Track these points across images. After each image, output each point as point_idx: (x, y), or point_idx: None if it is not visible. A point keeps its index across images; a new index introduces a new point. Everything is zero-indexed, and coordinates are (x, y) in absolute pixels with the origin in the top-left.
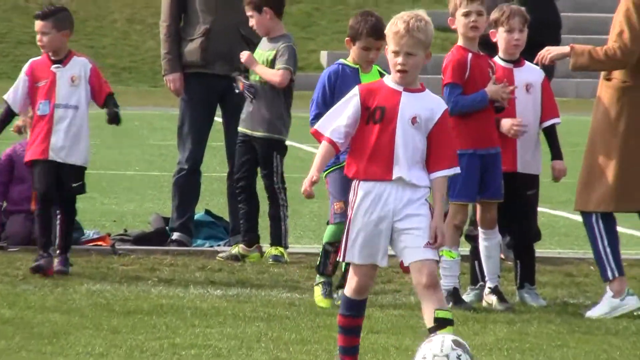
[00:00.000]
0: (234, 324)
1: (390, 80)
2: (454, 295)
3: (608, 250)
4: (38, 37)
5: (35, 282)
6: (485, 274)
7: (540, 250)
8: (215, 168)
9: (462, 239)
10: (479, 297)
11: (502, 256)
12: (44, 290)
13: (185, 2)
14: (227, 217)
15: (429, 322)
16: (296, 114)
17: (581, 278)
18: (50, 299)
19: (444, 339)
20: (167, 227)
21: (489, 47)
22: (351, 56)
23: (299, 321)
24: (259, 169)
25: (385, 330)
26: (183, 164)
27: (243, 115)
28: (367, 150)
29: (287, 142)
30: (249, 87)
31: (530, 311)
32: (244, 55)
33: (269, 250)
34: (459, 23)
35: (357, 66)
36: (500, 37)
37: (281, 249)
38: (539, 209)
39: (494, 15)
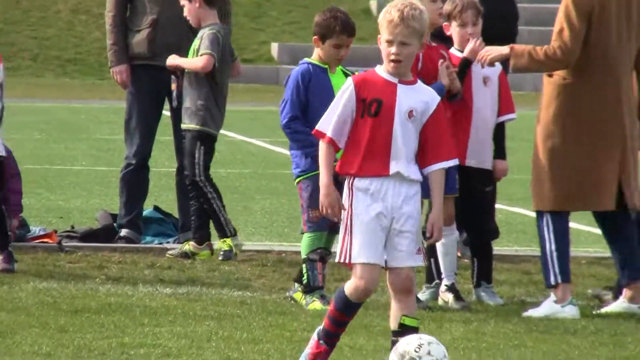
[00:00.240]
0: (184, 323)
1: (383, 71)
2: (454, 290)
3: (555, 255)
4: None
5: None
6: (442, 271)
7: (498, 247)
8: (163, 163)
9: None
10: (435, 296)
11: (459, 254)
12: None
13: None
14: (176, 214)
15: (394, 325)
16: (246, 108)
17: (539, 276)
18: None
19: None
20: (115, 224)
21: (444, 39)
22: (317, 55)
23: (250, 320)
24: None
25: None
26: (131, 158)
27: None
28: (363, 145)
29: (238, 137)
30: (178, 95)
31: (487, 310)
32: (169, 60)
33: (219, 244)
34: None
35: (326, 66)
36: (453, 31)
37: (229, 241)
38: (497, 205)
39: (447, 7)
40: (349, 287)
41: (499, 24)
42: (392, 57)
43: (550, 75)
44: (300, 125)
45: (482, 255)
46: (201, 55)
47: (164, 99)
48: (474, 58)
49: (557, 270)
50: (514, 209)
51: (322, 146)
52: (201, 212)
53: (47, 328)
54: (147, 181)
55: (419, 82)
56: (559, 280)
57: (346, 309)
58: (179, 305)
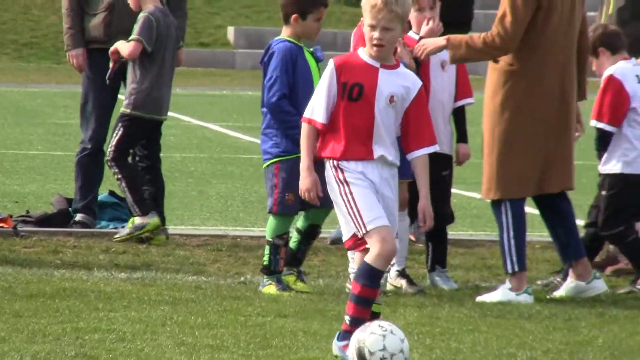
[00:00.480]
0: (139, 308)
1: (365, 54)
2: (405, 275)
3: (512, 242)
4: None
5: None
6: None
7: (452, 232)
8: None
9: None
10: (385, 280)
11: (413, 238)
12: None
13: None
14: None
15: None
16: (202, 92)
17: (493, 261)
18: None
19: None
20: (70, 209)
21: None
22: (293, 33)
23: (205, 305)
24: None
25: (293, 314)
26: (86, 143)
27: None
28: (345, 129)
29: (194, 121)
30: (110, 74)
31: (442, 294)
32: (112, 47)
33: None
34: None
35: (302, 44)
36: (411, 16)
37: (132, 219)
38: (452, 190)
39: None
40: (372, 256)
41: (454, 9)
42: (375, 41)
43: (495, 62)
44: (287, 104)
45: (436, 240)
46: (129, 41)
47: (120, 83)
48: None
49: (514, 258)
50: (469, 194)
51: (305, 128)
52: (154, 196)
53: (1, 313)
54: (102, 166)
55: (401, 65)
56: (516, 269)
57: (372, 281)
58: (133, 290)
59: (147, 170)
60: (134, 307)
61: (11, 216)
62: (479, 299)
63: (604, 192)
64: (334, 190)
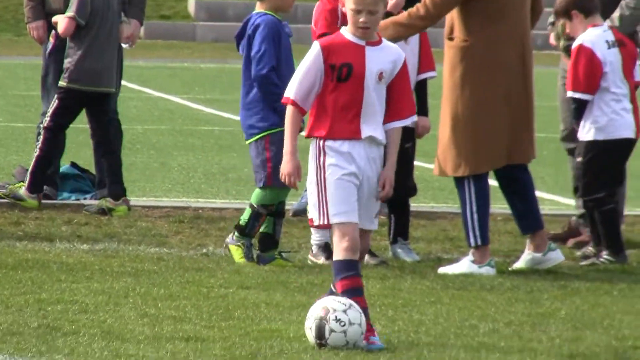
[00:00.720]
0: (101, 279)
1: (349, 33)
2: (326, 250)
3: (475, 217)
4: None
5: None
6: None
7: (414, 204)
8: (80, 119)
9: None
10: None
11: None
12: None
13: None
14: (93, 170)
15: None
16: (163, 64)
17: (455, 233)
18: None
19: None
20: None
21: None
22: (271, 6)
23: (167, 276)
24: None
25: (256, 285)
26: (47, 114)
27: None
28: (333, 109)
29: (155, 94)
30: (51, 48)
31: (404, 266)
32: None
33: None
34: None
35: (280, 17)
36: None
37: (20, 184)
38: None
39: None
40: (338, 252)
41: None
42: (361, 24)
43: (450, 39)
44: (275, 77)
45: (399, 212)
46: (64, 17)
47: None
48: (395, 12)
49: (477, 233)
50: (431, 166)
51: (289, 111)
52: (114, 167)
53: None
54: (63, 137)
55: (384, 40)
56: (479, 243)
57: (348, 269)
58: (96, 261)
59: (100, 145)
60: (96, 278)
61: None
62: (441, 270)
63: (579, 159)
64: (311, 170)
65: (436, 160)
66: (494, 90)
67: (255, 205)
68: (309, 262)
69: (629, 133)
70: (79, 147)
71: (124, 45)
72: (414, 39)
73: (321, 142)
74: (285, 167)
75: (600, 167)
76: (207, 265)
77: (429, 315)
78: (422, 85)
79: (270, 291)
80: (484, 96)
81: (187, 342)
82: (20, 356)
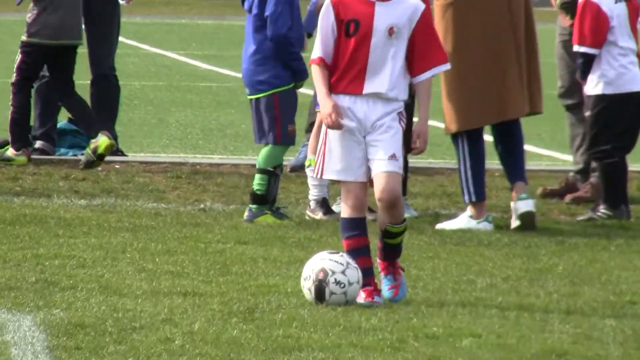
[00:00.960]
0: (99, 234)
1: None
2: (323, 206)
3: (469, 173)
4: None
5: None
6: None
7: (412, 160)
8: (78, 75)
9: None
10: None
11: None
12: None
13: None
14: None
15: (380, 227)
16: (161, 20)
17: (453, 189)
18: None
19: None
20: (29, 136)
21: None
22: None
23: (165, 232)
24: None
25: (253, 241)
26: (45, 71)
27: None
28: (341, 64)
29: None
30: None
31: None
32: None
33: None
34: None
35: None
36: None
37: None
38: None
39: None
40: (343, 207)
41: None
42: None
43: None
44: (291, 37)
45: None
46: None
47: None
48: None
49: (472, 189)
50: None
51: (314, 68)
52: (17, 118)
53: None
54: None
55: None
56: (473, 199)
57: (354, 229)
58: (93, 216)
59: (62, 99)
60: (94, 233)
61: None
62: (439, 226)
63: (588, 113)
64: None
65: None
66: (479, 47)
67: (272, 168)
68: (307, 217)
69: (637, 87)
70: None
71: (121, 2)
72: None
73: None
74: (324, 109)
75: (608, 120)
76: (204, 221)
77: (426, 271)
78: None
79: (267, 246)
80: (469, 54)
81: (185, 297)
82: (18, 311)
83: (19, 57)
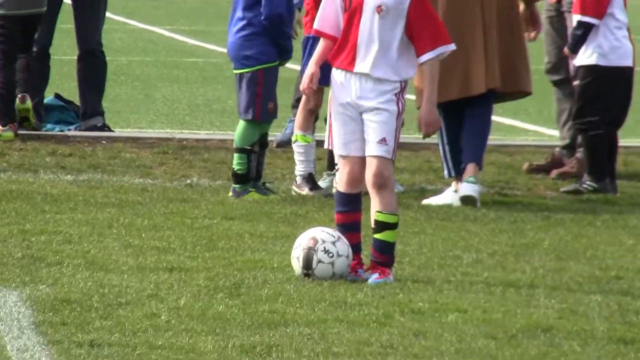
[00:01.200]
0: (85, 210)
1: None
2: (310, 181)
3: (447, 148)
4: None
5: None
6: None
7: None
8: (65, 51)
9: (319, 124)
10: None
11: None
12: None
13: None
14: (77, 101)
15: (372, 223)
16: None
17: (439, 164)
18: None
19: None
20: (16, 111)
21: None
22: None
23: (151, 207)
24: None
25: (240, 216)
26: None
27: None
28: (340, 39)
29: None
30: None
31: None
32: None
33: None
34: None
35: None
36: None
37: None
38: None
39: None
40: (339, 181)
41: None
42: None
43: None
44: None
45: None
46: None
47: None
48: None
49: (450, 164)
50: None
51: (321, 42)
52: (2, 94)
53: None
54: (48, 69)
55: None
56: (452, 174)
57: (347, 204)
58: (80, 192)
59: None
60: (80, 209)
61: None
62: (425, 201)
63: (577, 82)
64: None
65: None
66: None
67: (249, 147)
68: (293, 193)
69: (629, 62)
70: (63, 78)
71: None
72: None
73: (333, 70)
74: (306, 72)
75: (597, 92)
76: (191, 196)
77: (412, 246)
78: None
79: (254, 222)
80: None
81: (171, 273)
82: (4, 286)
83: None
